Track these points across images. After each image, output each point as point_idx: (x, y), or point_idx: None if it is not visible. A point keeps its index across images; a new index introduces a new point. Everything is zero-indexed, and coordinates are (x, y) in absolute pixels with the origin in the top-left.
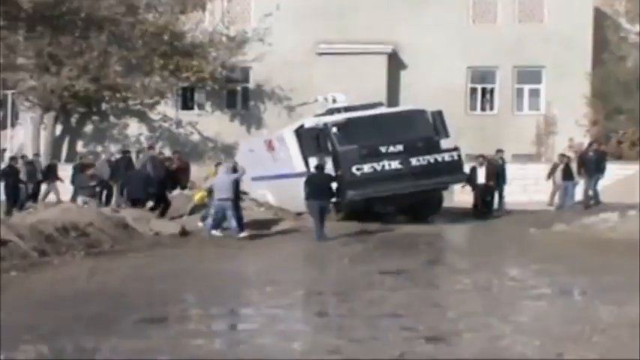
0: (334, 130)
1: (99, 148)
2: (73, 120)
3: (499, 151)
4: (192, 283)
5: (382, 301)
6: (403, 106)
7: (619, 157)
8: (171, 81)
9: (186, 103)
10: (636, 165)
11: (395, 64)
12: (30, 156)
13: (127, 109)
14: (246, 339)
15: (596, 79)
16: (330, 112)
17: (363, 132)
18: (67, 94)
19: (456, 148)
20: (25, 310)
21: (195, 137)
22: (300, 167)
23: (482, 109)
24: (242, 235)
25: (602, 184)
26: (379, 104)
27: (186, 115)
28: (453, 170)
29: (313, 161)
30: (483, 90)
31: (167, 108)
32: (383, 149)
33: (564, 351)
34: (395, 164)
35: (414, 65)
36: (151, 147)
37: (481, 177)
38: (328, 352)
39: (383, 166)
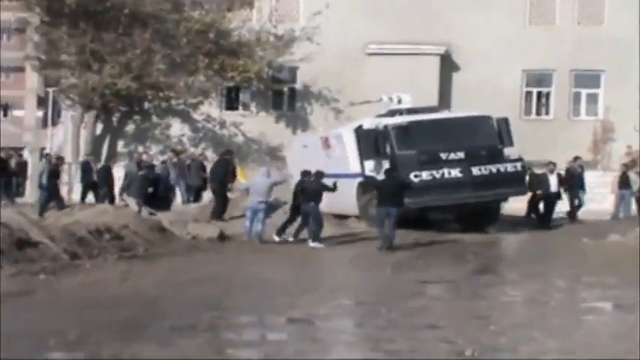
0: (394, 133)
1: (140, 149)
2: (115, 119)
3: (577, 158)
4: (226, 290)
5: (423, 311)
6: (464, 110)
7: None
8: (215, 80)
9: (231, 104)
10: None
11: (448, 65)
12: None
13: (170, 108)
14: (275, 350)
15: None
16: (392, 113)
17: (424, 136)
18: (108, 93)
19: (520, 159)
20: (52, 314)
21: (240, 139)
22: (356, 168)
23: (538, 113)
24: (314, 244)
25: None
26: (443, 108)
27: (230, 116)
28: (514, 182)
29: (369, 164)
30: (539, 94)
31: (211, 108)
32: (443, 156)
33: None
34: (455, 172)
35: (468, 67)
36: (178, 152)
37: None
38: None
39: (442, 174)
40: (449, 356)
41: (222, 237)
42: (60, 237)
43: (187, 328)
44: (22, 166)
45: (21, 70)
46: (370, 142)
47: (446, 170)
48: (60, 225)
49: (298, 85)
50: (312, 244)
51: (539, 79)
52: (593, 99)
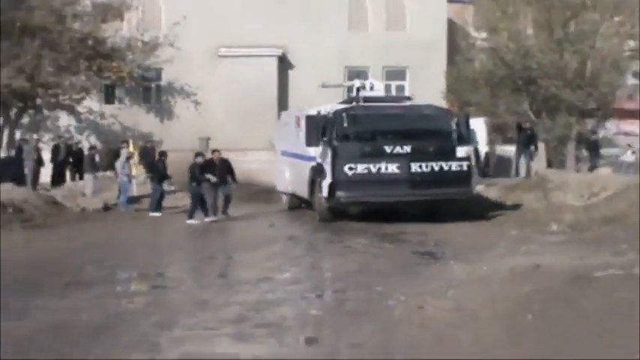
0: (338, 120)
1: (34, 137)
2: (12, 113)
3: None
4: (110, 252)
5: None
6: (419, 102)
7: None
8: (94, 80)
9: (109, 98)
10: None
11: (284, 65)
12: None
13: (58, 103)
14: (158, 296)
15: (450, 77)
16: (350, 100)
17: (371, 127)
18: (6, 91)
19: (467, 158)
20: None
21: (117, 127)
22: (310, 152)
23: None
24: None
25: None
26: (407, 98)
27: (108, 109)
28: (459, 182)
29: (317, 151)
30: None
31: (92, 102)
32: (388, 149)
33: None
34: (392, 168)
35: (300, 66)
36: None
37: None
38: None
39: (379, 168)
40: None
41: (107, 207)
42: None
43: (80, 283)
44: None
45: None
46: (317, 128)
47: (383, 165)
48: None
49: (163, 83)
50: (188, 221)
51: (357, 75)
52: (400, 90)
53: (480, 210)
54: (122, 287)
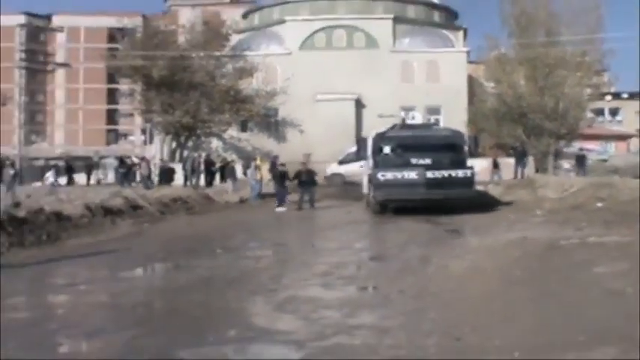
0: (375, 140)
1: (195, 154)
2: (181, 139)
3: None
4: (244, 229)
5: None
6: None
7: (482, 155)
8: (234, 117)
9: (244, 128)
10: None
11: (358, 105)
12: (158, 161)
13: (211, 132)
14: (273, 259)
15: (470, 113)
16: (393, 127)
17: (402, 145)
18: (178, 125)
19: (470, 167)
20: (151, 245)
21: (249, 148)
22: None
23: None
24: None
25: None
26: (435, 124)
27: (243, 135)
28: (463, 185)
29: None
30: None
31: (233, 131)
32: (414, 161)
33: None
34: (412, 175)
35: (369, 106)
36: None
37: None
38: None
39: (403, 175)
40: None
41: (242, 201)
42: (154, 203)
43: (223, 250)
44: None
45: (131, 114)
46: (365, 146)
47: (406, 172)
48: (154, 196)
49: (279, 118)
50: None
51: (407, 110)
52: (437, 121)
53: (490, 203)
54: (250, 252)
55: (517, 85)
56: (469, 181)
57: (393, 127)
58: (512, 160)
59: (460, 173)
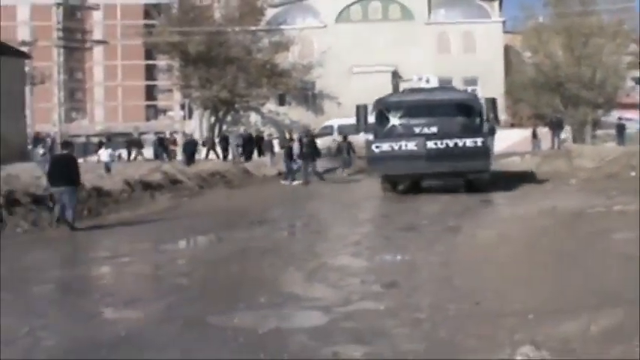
0: (376, 107)
1: (233, 129)
2: (220, 114)
3: None
4: (279, 202)
5: None
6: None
7: (520, 125)
8: (272, 90)
9: (281, 102)
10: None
11: (395, 77)
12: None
13: (249, 107)
14: (305, 230)
15: (507, 83)
16: (403, 92)
17: (406, 112)
18: (216, 100)
19: (482, 134)
20: (190, 218)
21: (287, 121)
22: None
23: None
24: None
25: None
26: (450, 87)
27: (281, 109)
28: (474, 156)
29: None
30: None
31: (271, 105)
32: (417, 130)
33: None
34: (411, 145)
35: (405, 78)
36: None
37: None
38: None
39: (400, 146)
40: None
41: (279, 174)
42: (193, 177)
43: (259, 222)
44: (170, 141)
45: (170, 90)
46: (363, 114)
47: (404, 143)
48: (192, 171)
49: (316, 91)
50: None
51: (444, 82)
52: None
53: (530, 177)
54: (284, 224)
55: (554, 55)
56: (480, 152)
57: (403, 92)
58: (547, 131)
59: (469, 142)
